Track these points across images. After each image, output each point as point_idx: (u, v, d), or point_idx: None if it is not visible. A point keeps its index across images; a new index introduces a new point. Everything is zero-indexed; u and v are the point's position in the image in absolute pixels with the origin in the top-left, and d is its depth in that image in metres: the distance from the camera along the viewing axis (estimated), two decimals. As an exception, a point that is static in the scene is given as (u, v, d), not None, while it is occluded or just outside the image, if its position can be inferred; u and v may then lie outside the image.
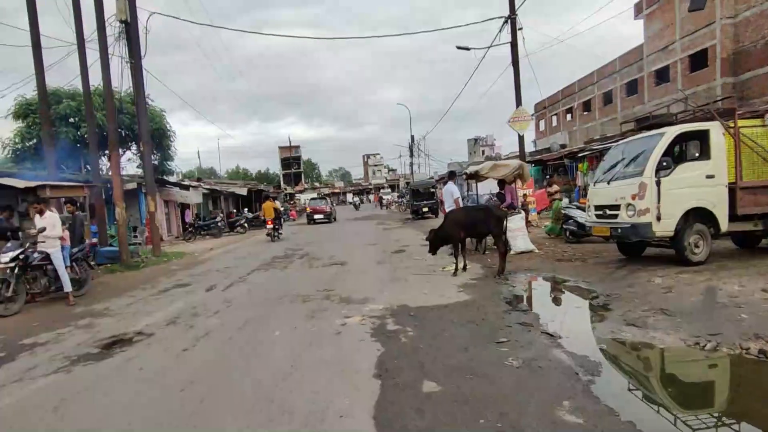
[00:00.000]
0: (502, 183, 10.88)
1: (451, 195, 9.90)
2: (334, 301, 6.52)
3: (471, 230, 7.99)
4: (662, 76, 29.31)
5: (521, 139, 15.19)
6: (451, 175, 10.61)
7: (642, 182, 6.46)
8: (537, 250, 9.58)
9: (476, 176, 11.35)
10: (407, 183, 54.19)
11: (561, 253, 9.26)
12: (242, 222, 24.40)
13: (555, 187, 14.30)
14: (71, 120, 22.62)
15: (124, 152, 26.34)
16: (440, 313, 5.49)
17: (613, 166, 7.34)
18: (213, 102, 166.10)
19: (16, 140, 22.96)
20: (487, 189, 18.44)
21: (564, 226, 10.68)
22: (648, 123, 7.31)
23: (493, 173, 10.56)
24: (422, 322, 5.14)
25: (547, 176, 17.79)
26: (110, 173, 13.15)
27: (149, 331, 5.65)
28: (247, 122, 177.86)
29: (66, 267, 7.96)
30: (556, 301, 6.17)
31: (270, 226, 18.20)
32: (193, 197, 23.98)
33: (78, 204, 10.11)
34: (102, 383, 4.05)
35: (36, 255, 7.61)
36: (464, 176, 13.47)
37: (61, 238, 8.00)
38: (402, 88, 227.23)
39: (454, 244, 7.96)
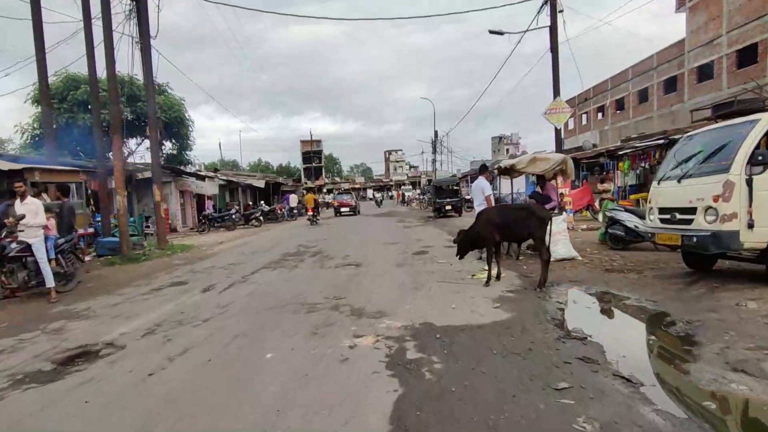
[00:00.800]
0: (541, 180, 9.60)
1: (481, 191, 8.73)
2: (344, 312, 5.47)
3: (507, 232, 6.75)
4: (705, 72, 27.39)
5: (557, 132, 13.89)
6: (482, 169, 9.40)
7: (728, 180, 5.19)
8: (580, 258, 8.35)
9: (511, 171, 10.04)
10: (429, 180, 52.86)
11: (609, 261, 8.01)
12: (257, 215, 23.63)
13: (607, 185, 12.70)
14: (89, 106, 22.17)
15: (142, 140, 25.93)
16: (473, 335, 4.39)
17: (685, 161, 6.04)
18: (237, 96, 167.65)
19: (35, 125, 22.73)
20: (514, 187, 17.13)
21: (609, 231, 9.39)
22: (730, 110, 5.99)
23: (531, 168, 9.22)
24: (451, 348, 4.05)
25: (604, 172, 16.32)
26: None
27: (121, 342, 4.74)
28: (269, 117, 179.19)
29: (50, 259, 7.16)
30: (620, 326, 4.93)
31: (310, 213, 22.61)
32: (209, 188, 23.38)
33: (67, 190, 9.29)
34: (34, 420, 3.11)
35: (14, 245, 6.82)
36: (496, 171, 12.18)
37: (46, 228, 7.20)
38: (424, 85, 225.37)
39: (487, 248, 6.82)
